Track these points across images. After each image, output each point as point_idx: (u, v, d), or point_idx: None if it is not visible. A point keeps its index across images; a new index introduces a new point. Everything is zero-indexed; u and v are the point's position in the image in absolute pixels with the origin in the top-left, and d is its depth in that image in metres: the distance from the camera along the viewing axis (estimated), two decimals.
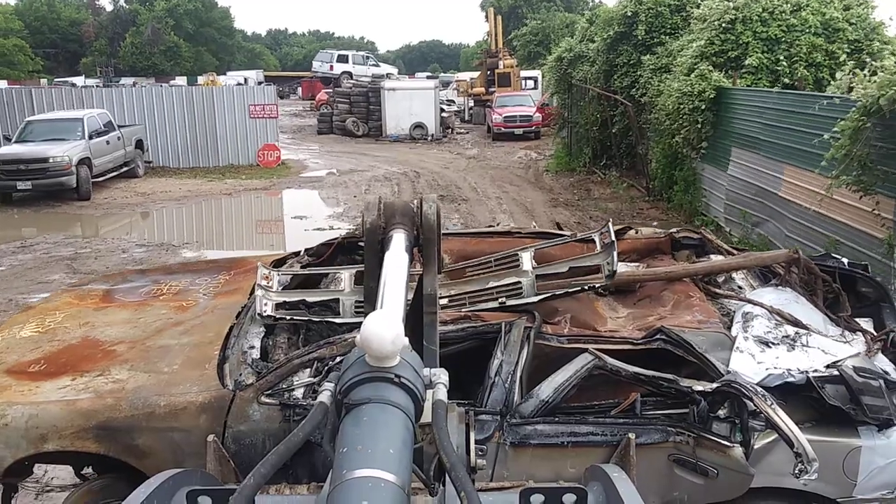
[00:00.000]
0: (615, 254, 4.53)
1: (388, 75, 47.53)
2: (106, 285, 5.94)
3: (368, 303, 2.28)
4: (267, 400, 3.98)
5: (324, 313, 4.62)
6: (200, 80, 56.12)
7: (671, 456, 3.84)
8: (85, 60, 69.87)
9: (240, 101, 23.32)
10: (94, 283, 6.20)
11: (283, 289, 4.93)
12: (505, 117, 30.30)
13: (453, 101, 40.28)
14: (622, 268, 5.34)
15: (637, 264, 5.54)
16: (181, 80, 59.82)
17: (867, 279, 5.15)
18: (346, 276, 4.94)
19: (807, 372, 3.93)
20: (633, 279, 5.13)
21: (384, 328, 1.51)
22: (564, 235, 5.64)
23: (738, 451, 3.76)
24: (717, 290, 5.04)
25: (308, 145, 29.70)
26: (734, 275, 5.23)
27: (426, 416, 1.58)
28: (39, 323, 5.07)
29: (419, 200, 2.34)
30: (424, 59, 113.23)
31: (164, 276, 6.03)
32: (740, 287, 5.12)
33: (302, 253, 5.63)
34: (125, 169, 20.37)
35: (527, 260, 4.60)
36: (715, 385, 3.84)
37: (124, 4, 74.98)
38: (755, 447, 3.76)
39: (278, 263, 5.51)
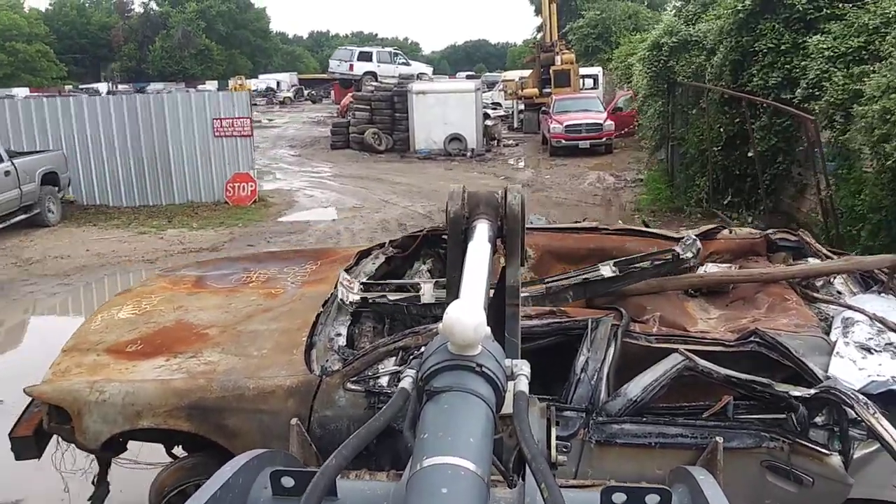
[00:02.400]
0: (695, 243, 4.69)
1: (420, 76, 39.04)
2: (198, 271, 6.15)
3: (451, 292, 2.27)
4: (353, 386, 4.04)
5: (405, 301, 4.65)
6: (231, 84, 55.70)
7: (764, 462, 3.69)
8: (113, 66, 69.58)
9: (200, 114, 16.53)
10: (186, 269, 6.43)
11: (367, 278, 5.00)
12: (567, 126, 23.56)
13: (499, 105, 34.81)
14: (713, 268, 5.19)
15: (730, 265, 5.36)
16: (211, 85, 59.14)
17: None
18: (426, 268, 4.99)
19: None
20: (726, 280, 4.96)
21: (466, 316, 1.49)
22: (655, 233, 5.52)
23: (837, 459, 3.60)
24: (815, 295, 4.82)
25: (314, 165, 23.74)
26: (834, 279, 4.99)
27: (507, 408, 1.55)
28: (136, 305, 5.29)
29: (504, 190, 2.31)
30: (470, 58, 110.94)
31: (254, 265, 6.21)
32: (840, 292, 4.87)
33: (387, 244, 5.69)
34: (24, 216, 14.23)
35: (607, 269, 4.56)
36: (813, 391, 3.67)
37: (155, 7, 74.00)
38: (855, 457, 3.59)
39: (364, 255, 5.59)
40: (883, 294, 4.74)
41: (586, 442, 3.78)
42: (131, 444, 4.67)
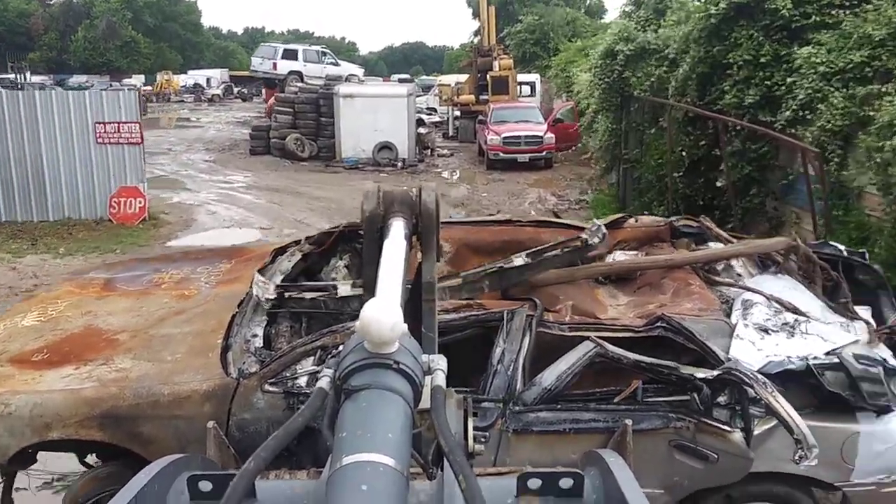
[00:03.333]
0: (600, 229, 4.91)
1: (350, 77, 36.04)
2: (107, 274, 5.96)
3: (367, 290, 2.29)
4: (271, 388, 4.01)
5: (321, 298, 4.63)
6: (158, 79, 53.56)
7: (672, 442, 3.86)
8: (33, 56, 64.57)
9: (79, 116, 13.71)
10: (95, 272, 6.22)
11: (283, 277, 4.96)
12: (505, 138, 21.70)
13: (435, 111, 32.92)
14: (621, 256, 5.37)
15: (636, 252, 5.55)
16: (138, 79, 56.45)
17: (865, 267, 5.16)
18: (343, 264, 4.99)
19: (806, 359, 3.95)
20: (633, 267, 5.15)
21: (383, 314, 1.51)
22: (565, 224, 5.67)
23: (739, 436, 3.79)
24: (717, 278, 5.05)
25: (227, 174, 20.80)
26: (733, 263, 5.24)
27: (425, 402, 1.59)
28: (41, 312, 5.09)
29: (419, 188, 2.35)
30: (407, 60, 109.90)
31: (166, 265, 6.05)
32: (739, 275, 5.13)
33: (303, 241, 5.64)
34: None
35: (520, 259, 4.66)
36: (716, 372, 3.85)
37: None
38: (755, 433, 3.79)
39: (279, 252, 5.53)
40: (779, 274, 5.01)
41: (504, 431, 3.86)
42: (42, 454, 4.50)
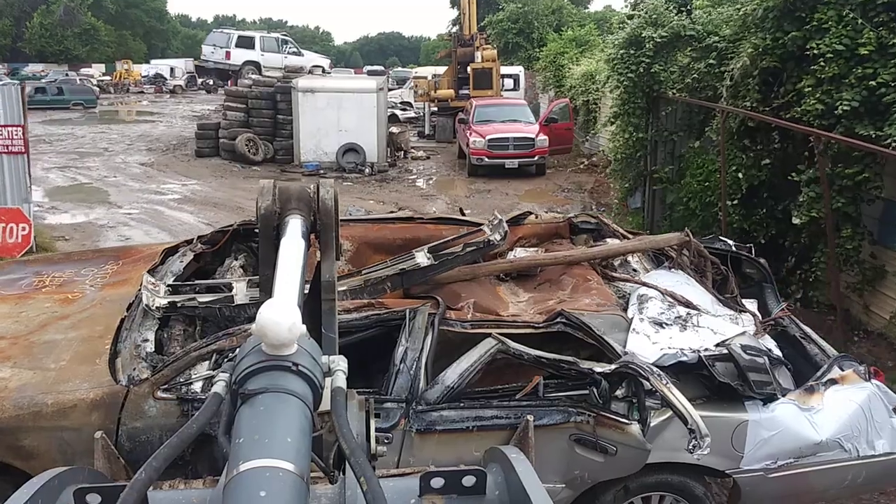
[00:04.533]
0: (501, 224, 4.96)
1: (314, 69, 31.31)
2: None
3: (264, 291, 2.22)
4: (163, 395, 3.85)
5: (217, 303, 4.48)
6: (117, 68, 50.88)
7: (572, 436, 3.93)
8: None
9: None
10: None
11: (174, 279, 4.77)
12: (491, 141, 18.39)
13: (410, 105, 29.88)
14: (522, 252, 5.44)
15: (536, 249, 5.64)
16: (98, 68, 53.74)
17: (752, 261, 5.42)
18: (238, 264, 4.85)
19: (698, 351, 4.10)
20: (534, 263, 5.23)
21: (280, 315, 1.47)
22: (466, 221, 5.70)
23: (636, 428, 3.89)
24: (614, 274, 5.20)
25: (162, 181, 17.58)
26: (630, 258, 5.40)
27: (325, 404, 1.55)
28: None
29: (316, 185, 2.29)
30: (383, 51, 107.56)
31: (47, 267, 5.72)
32: (635, 270, 5.28)
33: (195, 241, 5.45)
34: None
35: (421, 255, 4.64)
36: (614, 366, 3.94)
37: None
38: (651, 424, 3.90)
39: (170, 252, 5.33)
40: (672, 269, 5.19)
41: (407, 431, 3.84)
42: None
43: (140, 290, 4.57)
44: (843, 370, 4.35)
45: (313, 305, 2.26)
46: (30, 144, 10.96)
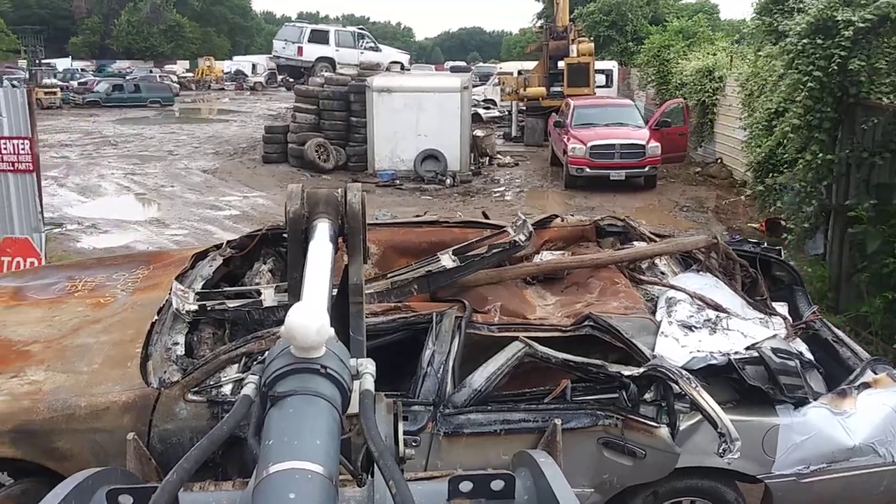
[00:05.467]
0: (525, 224, 4.96)
1: (392, 66, 27.97)
2: (16, 282, 5.68)
3: (293, 294, 2.24)
4: (194, 397, 3.89)
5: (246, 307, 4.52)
6: (199, 65, 51.18)
7: (600, 439, 3.90)
8: (74, 40, 62.35)
9: None
10: (2, 281, 5.92)
11: (204, 283, 4.82)
12: (593, 148, 15.81)
13: (493, 104, 27.57)
14: (548, 256, 5.43)
15: (563, 252, 5.62)
16: (182, 65, 54.14)
17: (781, 264, 5.35)
18: (267, 268, 4.89)
19: (728, 354, 4.06)
20: (561, 266, 5.20)
21: (308, 318, 1.48)
22: (490, 223, 5.70)
23: (665, 432, 3.86)
24: (642, 277, 5.16)
25: (221, 193, 15.97)
26: (657, 261, 5.36)
27: (353, 407, 1.56)
28: None
29: (344, 189, 2.31)
30: (464, 46, 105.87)
31: (79, 272, 5.80)
32: (663, 273, 5.24)
33: (224, 245, 5.50)
34: None
35: (447, 258, 4.64)
36: (642, 369, 3.92)
37: None
38: (681, 428, 3.86)
39: (200, 257, 5.38)
40: (700, 272, 5.14)
41: (435, 434, 3.84)
42: None
43: (170, 294, 4.63)
44: (876, 374, 4.28)
45: (341, 308, 2.27)
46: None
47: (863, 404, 4.08)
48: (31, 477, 4.01)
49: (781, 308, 4.92)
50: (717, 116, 18.08)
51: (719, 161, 17.57)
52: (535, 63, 24.35)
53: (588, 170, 15.86)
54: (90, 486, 1.54)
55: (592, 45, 24.03)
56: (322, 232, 2.18)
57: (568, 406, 3.95)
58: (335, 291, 2.19)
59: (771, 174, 10.08)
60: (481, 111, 24.64)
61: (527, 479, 1.63)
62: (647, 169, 16.00)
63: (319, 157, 17.53)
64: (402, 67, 29.66)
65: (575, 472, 3.79)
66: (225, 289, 4.83)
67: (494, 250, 4.78)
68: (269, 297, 4.40)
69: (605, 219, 6.03)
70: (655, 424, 3.87)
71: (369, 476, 1.62)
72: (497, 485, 1.55)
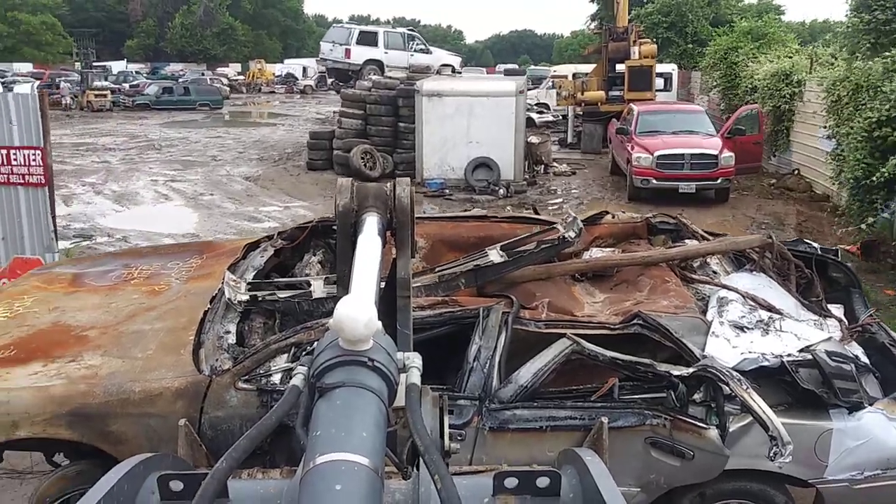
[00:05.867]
0: (575, 221, 4.92)
1: (443, 69, 26.42)
2: (74, 269, 5.85)
3: (341, 287, 2.26)
4: (244, 385, 3.96)
5: (296, 298, 4.58)
6: (251, 67, 51.72)
7: (648, 439, 3.86)
8: (130, 43, 63.26)
9: None
10: (61, 267, 6.10)
11: (255, 273, 4.90)
12: (660, 157, 14.72)
13: (547, 108, 26.39)
14: (598, 252, 5.38)
15: (613, 249, 5.56)
16: (234, 68, 54.51)
17: (838, 265, 5.21)
18: (317, 259, 4.94)
19: (781, 356, 3.98)
20: (610, 263, 5.15)
21: (357, 311, 1.49)
22: (540, 219, 5.67)
23: (714, 433, 3.80)
24: (693, 276, 5.08)
25: (262, 203, 15.58)
26: (709, 260, 5.27)
27: (400, 400, 1.57)
28: (7, 307, 4.98)
29: (392, 183, 2.32)
30: (515, 49, 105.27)
31: (135, 260, 5.95)
32: (715, 272, 5.15)
33: (276, 237, 5.59)
34: None
35: (495, 253, 4.63)
36: (691, 369, 3.86)
37: None
38: (731, 430, 3.80)
39: (252, 247, 5.47)
40: (754, 272, 5.04)
41: (480, 429, 3.84)
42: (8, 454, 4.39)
43: (223, 283, 4.71)
44: None
45: (389, 302, 2.28)
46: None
47: None
48: (87, 459, 4.13)
49: (837, 310, 4.80)
50: (794, 124, 17.02)
51: (796, 172, 16.55)
52: (591, 66, 23.49)
53: (654, 181, 14.73)
54: (142, 472, 1.57)
55: (655, 46, 22.86)
56: (371, 225, 2.19)
57: (615, 405, 3.92)
58: (383, 285, 2.20)
59: (873, 192, 9.04)
60: (535, 116, 23.56)
61: (572, 476, 1.61)
62: (719, 181, 14.77)
63: (365, 165, 16.52)
64: (454, 70, 28.56)
65: (621, 471, 3.76)
66: (275, 279, 4.90)
67: (543, 246, 4.76)
68: (318, 288, 4.45)
69: (657, 216, 5.95)
70: (705, 426, 3.82)
71: (415, 469, 1.62)
72: (542, 482, 1.54)
